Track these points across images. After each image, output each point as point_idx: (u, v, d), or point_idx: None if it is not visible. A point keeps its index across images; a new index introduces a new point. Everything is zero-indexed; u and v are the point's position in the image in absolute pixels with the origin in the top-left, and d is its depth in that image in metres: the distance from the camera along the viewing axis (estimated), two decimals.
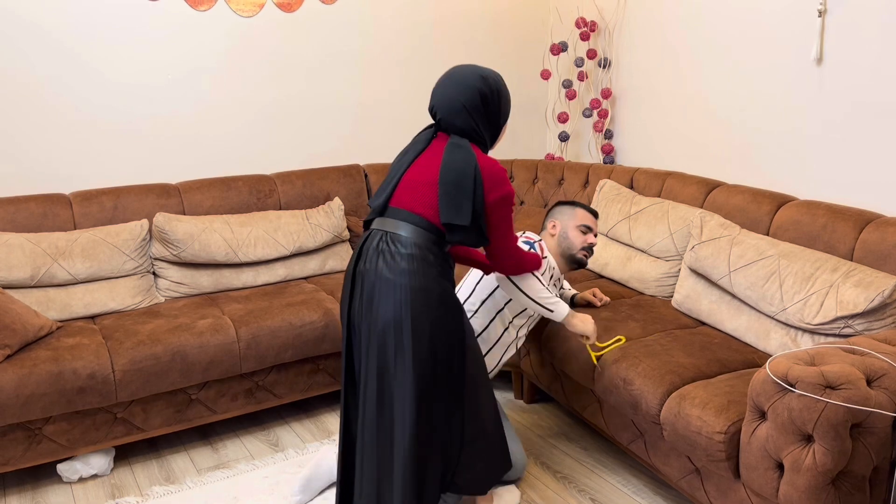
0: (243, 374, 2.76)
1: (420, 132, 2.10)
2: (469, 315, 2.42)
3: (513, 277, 2.23)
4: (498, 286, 2.41)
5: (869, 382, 1.78)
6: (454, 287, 1.99)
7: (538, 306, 2.27)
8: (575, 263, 2.61)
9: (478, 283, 2.45)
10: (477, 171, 1.91)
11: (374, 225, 2.01)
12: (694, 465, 2.17)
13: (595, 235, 2.63)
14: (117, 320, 2.73)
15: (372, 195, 3.61)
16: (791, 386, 1.78)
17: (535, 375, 2.94)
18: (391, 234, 1.94)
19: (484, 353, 2.42)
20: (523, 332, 2.50)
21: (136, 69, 3.18)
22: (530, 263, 2.20)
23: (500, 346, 2.44)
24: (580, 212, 2.62)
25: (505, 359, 2.48)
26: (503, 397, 3.17)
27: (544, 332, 2.73)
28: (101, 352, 2.49)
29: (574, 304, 2.82)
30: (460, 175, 1.90)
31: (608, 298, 2.84)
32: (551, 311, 2.28)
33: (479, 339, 2.42)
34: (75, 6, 3.01)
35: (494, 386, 3.26)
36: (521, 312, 2.44)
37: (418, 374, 1.87)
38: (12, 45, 2.92)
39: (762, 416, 1.88)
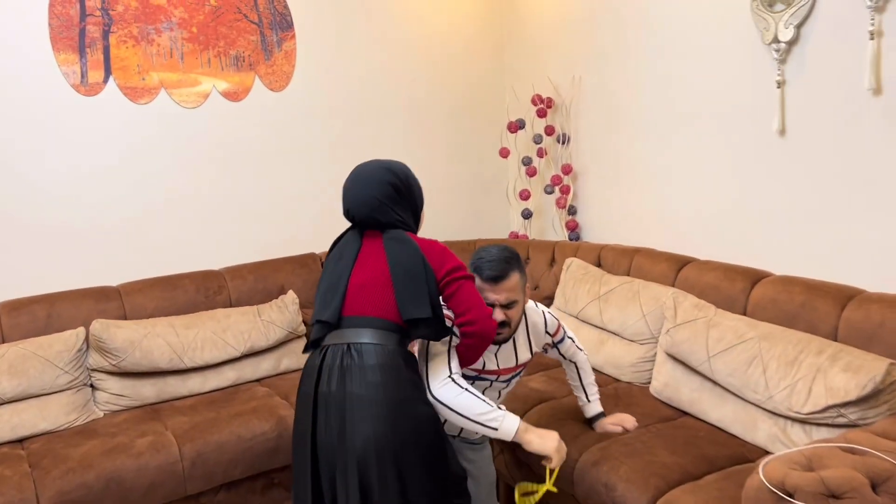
0: (189, 496, 2.50)
1: (342, 235, 2.01)
2: None
3: (443, 399, 1.88)
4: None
5: (874, 487, 1.61)
6: (421, 381, 1.87)
7: (478, 426, 1.88)
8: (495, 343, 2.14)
9: None
10: (423, 258, 1.87)
11: (329, 340, 1.85)
12: None
13: (498, 307, 2.03)
14: (47, 443, 2.47)
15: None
16: (789, 496, 1.59)
17: (511, 476, 2.72)
18: (353, 345, 1.80)
19: None
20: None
21: (70, 166, 3.00)
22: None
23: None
24: None
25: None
26: None
27: None
28: (25, 484, 2.22)
29: (592, 424, 2.41)
30: (410, 267, 1.85)
31: (634, 422, 2.39)
32: (494, 429, 1.88)
33: None
34: (1, 103, 2.85)
35: None
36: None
37: (414, 496, 1.76)
38: None
39: None
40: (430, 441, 1.80)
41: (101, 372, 2.78)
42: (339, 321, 1.85)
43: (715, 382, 2.40)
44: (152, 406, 2.79)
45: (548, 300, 3.32)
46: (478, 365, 2.13)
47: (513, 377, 2.21)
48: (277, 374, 3.07)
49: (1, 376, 2.55)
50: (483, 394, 2.06)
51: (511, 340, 2.15)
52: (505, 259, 2.03)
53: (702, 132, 2.99)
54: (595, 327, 2.97)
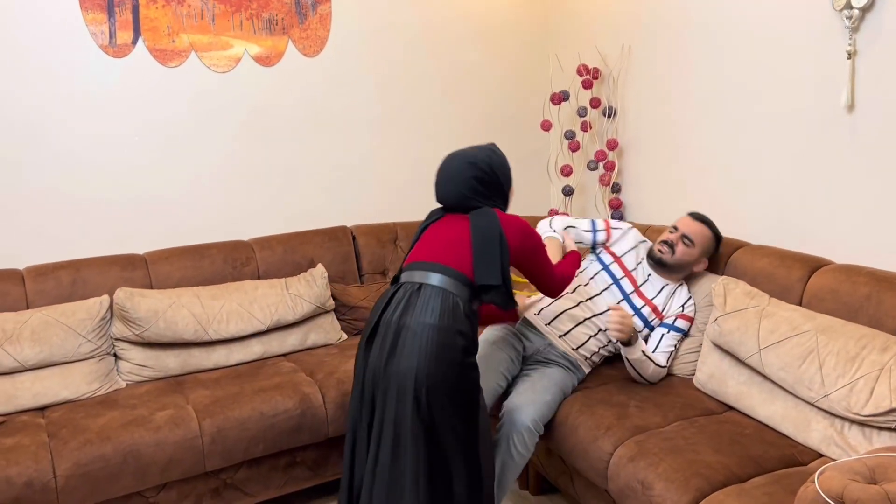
0: (209, 473, 2.44)
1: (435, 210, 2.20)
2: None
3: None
4: None
5: None
6: (476, 346, 1.98)
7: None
8: (651, 258, 2.65)
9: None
10: (501, 233, 2.00)
11: (405, 278, 2.03)
12: None
13: (679, 235, 2.59)
14: (68, 412, 2.43)
15: (361, 259, 3.33)
16: None
17: (542, 465, 2.60)
18: (424, 285, 1.97)
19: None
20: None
21: (98, 132, 2.93)
22: (570, 274, 2.30)
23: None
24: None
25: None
26: None
27: (553, 421, 2.39)
28: (42, 454, 2.17)
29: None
30: (488, 237, 1.99)
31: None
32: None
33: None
34: (29, 68, 2.78)
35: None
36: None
37: (433, 427, 1.87)
38: None
39: None
40: (465, 390, 1.91)
41: (125, 341, 2.72)
42: (412, 265, 2.03)
43: (765, 377, 2.23)
44: (176, 378, 2.73)
45: None
46: (629, 264, 2.67)
47: (627, 298, 2.59)
48: (304, 350, 2.98)
49: (24, 343, 2.51)
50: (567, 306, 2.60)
51: (659, 280, 2.63)
52: (710, 221, 2.64)
53: (760, 107, 2.77)
54: None
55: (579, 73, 3.47)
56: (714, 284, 2.51)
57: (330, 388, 2.61)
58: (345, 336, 3.12)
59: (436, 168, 3.66)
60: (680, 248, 2.58)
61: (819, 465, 1.95)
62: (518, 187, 3.90)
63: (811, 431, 2.05)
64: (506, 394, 2.47)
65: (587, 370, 2.57)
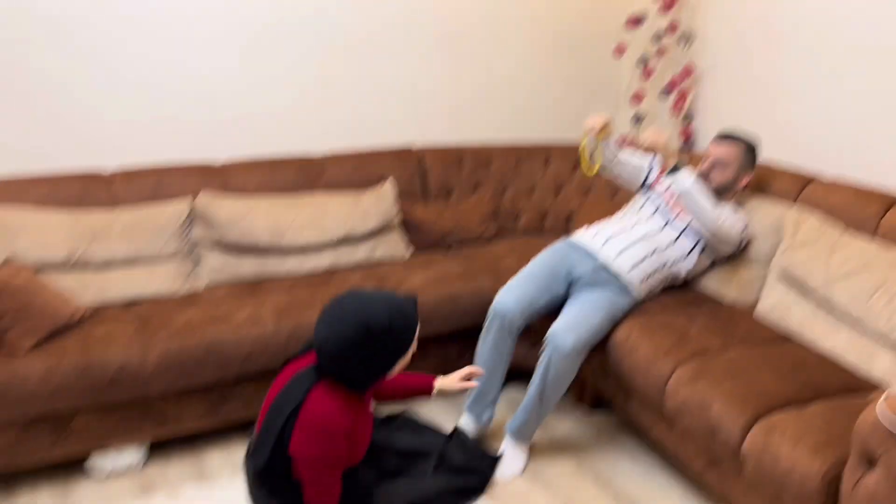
0: None
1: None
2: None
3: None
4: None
5: None
6: None
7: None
8: None
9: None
10: (294, 411, 1.75)
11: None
12: None
13: (710, 162, 2.59)
14: (154, 307, 2.59)
15: (427, 179, 3.38)
16: None
17: (596, 384, 2.69)
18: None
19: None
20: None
21: (180, 44, 3.00)
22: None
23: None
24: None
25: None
26: (563, 400, 2.90)
27: (609, 340, 2.46)
28: (134, 343, 2.34)
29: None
30: (278, 412, 1.77)
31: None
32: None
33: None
34: None
35: None
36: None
37: None
38: (54, 22, 2.78)
39: (871, 464, 1.59)
40: None
41: (205, 244, 2.86)
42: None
43: (831, 308, 2.24)
44: (251, 282, 2.87)
45: None
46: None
47: (674, 221, 2.62)
48: (373, 262, 3.08)
49: (113, 239, 2.66)
50: (624, 227, 2.66)
51: (705, 201, 2.51)
52: (740, 135, 2.61)
53: (845, 37, 2.68)
54: None
55: None
56: (784, 215, 2.50)
57: None
58: (410, 251, 3.21)
59: (504, 90, 3.66)
60: (715, 174, 2.59)
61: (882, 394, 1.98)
62: (586, 113, 3.87)
63: (875, 363, 2.08)
64: (553, 317, 2.54)
65: (640, 295, 2.60)
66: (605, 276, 2.56)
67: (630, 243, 2.59)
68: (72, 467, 2.49)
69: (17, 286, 2.26)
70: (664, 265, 2.59)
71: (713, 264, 2.68)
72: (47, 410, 2.23)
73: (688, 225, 2.60)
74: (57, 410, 2.25)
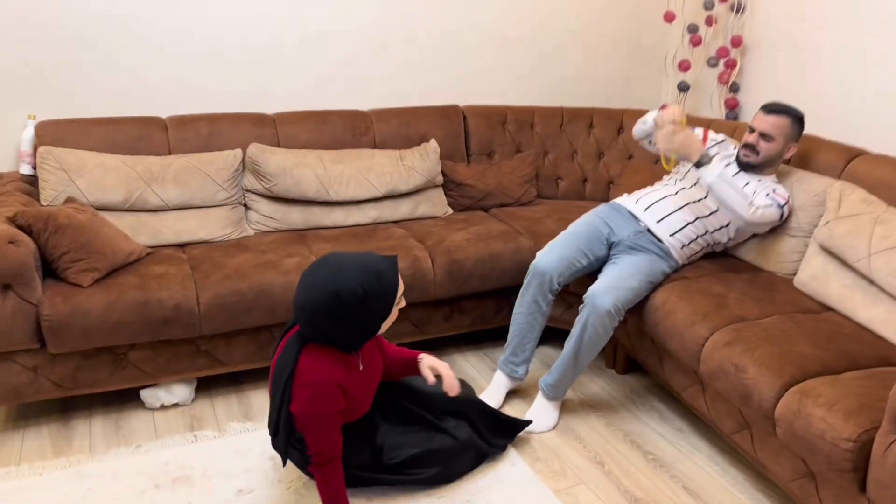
0: None
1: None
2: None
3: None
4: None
5: None
6: None
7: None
8: (739, 163, 2.65)
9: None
10: (288, 379, 1.87)
11: None
12: (809, 469, 1.95)
13: (757, 135, 2.58)
14: (205, 251, 2.69)
15: (470, 139, 3.42)
16: None
17: (632, 346, 2.74)
18: None
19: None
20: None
21: (237, 5, 3.06)
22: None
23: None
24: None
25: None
26: (593, 365, 2.98)
27: (647, 304, 2.51)
28: (188, 283, 2.44)
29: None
30: (278, 382, 1.89)
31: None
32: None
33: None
34: None
35: None
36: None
37: None
38: None
39: None
40: None
41: (254, 193, 2.94)
42: None
43: (871, 281, 2.26)
44: (299, 231, 2.95)
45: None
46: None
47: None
48: (414, 219, 3.15)
49: (168, 184, 2.76)
50: (665, 195, 2.69)
51: (752, 175, 2.62)
52: (784, 107, 2.57)
53: None
54: None
55: None
56: (828, 188, 2.51)
57: (439, 254, 2.78)
58: (451, 210, 3.27)
59: (548, 50, 3.66)
60: (763, 147, 2.57)
61: None
62: (631, 78, 3.87)
63: None
64: (593, 279, 2.59)
65: (681, 261, 2.64)
66: (645, 240, 2.60)
67: (672, 210, 2.63)
68: (126, 397, 2.63)
69: (80, 222, 2.36)
70: (706, 232, 2.63)
71: (754, 235, 2.70)
72: (107, 342, 2.34)
73: None
74: (115, 343, 2.36)
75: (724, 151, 2.74)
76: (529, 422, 2.45)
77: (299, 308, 1.87)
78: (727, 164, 2.68)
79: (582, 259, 2.61)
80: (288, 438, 1.92)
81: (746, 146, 2.61)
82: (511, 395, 2.71)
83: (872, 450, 1.72)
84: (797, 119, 2.59)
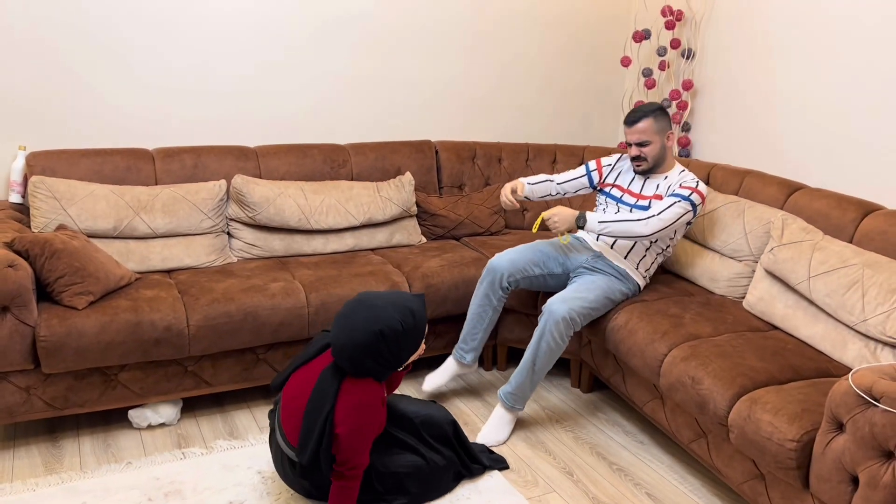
0: (310, 338, 2.81)
1: (326, 331, 2.26)
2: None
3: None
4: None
5: None
6: None
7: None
8: (638, 174, 2.86)
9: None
10: (331, 411, 1.98)
11: (275, 426, 2.18)
12: (759, 470, 2.15)
13: (635, 146, 2.76)
14: (192, 276, 2.81)
15: (442, 172, 3.61)
16: (875, 400, 1.73)
17: (596, 365, 2.93)
18: (284, 452, 2.14)
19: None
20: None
21: (221, 35, 3.22)
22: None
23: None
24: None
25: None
26: (560, 385, 3.16)
27: (610, 324, 2.71)
28: (178, 306, 2.56)
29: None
30: (317, 413, 1.99)
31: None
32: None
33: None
34: None
35: (554, 373, 3.26)
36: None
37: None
38: (102, 9, 2.99)
39: (839, 427, 1.84)
40: None
41: (238, 222, 3.08)
42: (280, 432, 2.13)
43: (811, 302, 2.50)
44: (280, 258, 3.09)
45: None
46: (622, 183, 2.89)
47: (636, 208, 2.81)
48: (390, 247, 3.31)
49: (156, 213, 2.88)
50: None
51: (655, 178, 2.81)
52: (642, 110, 2.74)
53: (832, 59, 2.96)
54: (695, 243, 3.07)
55: (663, 13, 3.64)
56: (772, 218, 2.76)
57: (416, 279, 2.95)
58: (424, 239, 3.44)
59: (514, 91, 3.90)
60: (646, 152, 2.76)
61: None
62: (590, 118, 4.13)
63: (847, 350, 2.34)
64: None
65: (641, 281, 2.85)
66: (602, 263, 2.82)
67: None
68: (114, 417, 2.71)
69: (75, 248, 2.46)
70: (650, 244, 2.84)
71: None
72: (100, 363, 2.43)
73: (650, 202, 2.81)
74: (108, 363, 2.45)
75: (624, 166, 2.95)
76: (504, 465, 2.54)
77: (341, 348, 2.01)
78: (639, 182, 2.86)
79: (534, 268, 2.84)
80: (329, 463, 2.02)
81: (633, 159, 2.81)
82: (472, 398, 2.87)
83: (813, 449, 1.92)
84: (657, 112, 2.75)
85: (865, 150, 2.86)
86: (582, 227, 2.68)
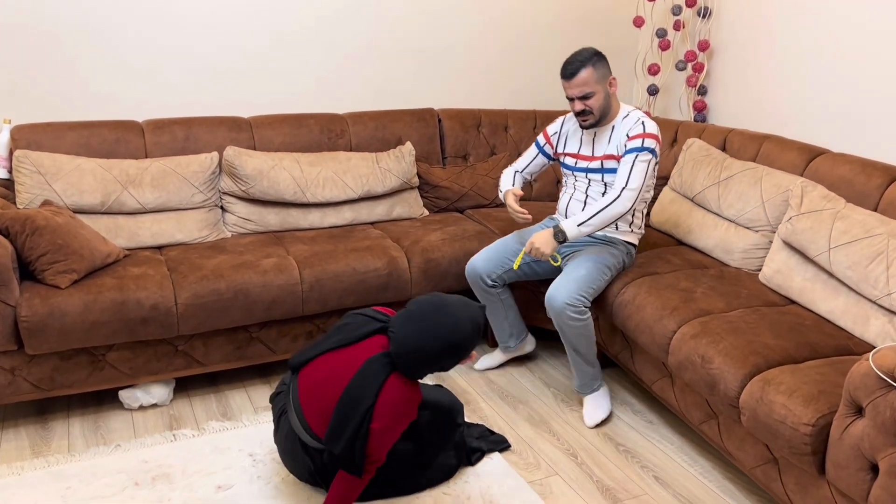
0: (305, 316, 2.72)
1: (367, 316, 2.11)
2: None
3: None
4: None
5: None
6: None
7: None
8: (584, 129, 2.64)
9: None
10: (372, 405, 1.91)
11: (289, 408, 2.08)
12: (772, 454, 2.02)
13: (578, 100, 2.53)
14: (183, 252, 2.71)
15: (445, 142, 3.47)
16: None
17: (604, 342, 2.81)
18: (298, 436, 2.05)
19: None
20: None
21: (216, 3, 3.10)
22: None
23: None
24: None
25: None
26: (567, 362, 3.04)
27: (617, 299, 2.58)
28: (166, 284, 2.47)
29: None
30: (355, 403, 1.91)
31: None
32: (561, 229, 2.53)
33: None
34: None
35: (560, 350, 3.14)
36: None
37: None
38: None
39: (859, 411, 1.71)
40: None
41: (231, 196, 2.97)
42: (298, 410, 2.04)
43: (831, 274, 2.35)
44: (275, 233, 2.99)
45: (663, 180, 3.27)
46: (572, 149, 2.70)
47: (592, 171, 2.63)
48: (390, 220, 3.20)
49: (145, 187, 2.78)
50: (569, 195, 2.73)
51: (604, 131, 2.61)
52: (577, 59, 2.49)
53: (862, 17, 2.75)
54: (709, 212, 2.91)
55: None
56: (791, 185, 2.60)
57: (415, 254, 2.83)
58: (426, 212, 3.32)
59: (521, 55, 3.73)
60: (591, 104, 2.53)
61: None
62: None
63: (869, 326, 2.19)
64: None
65: (632, 238, 2.70)
66: (585, 239, 2.70)
67: (582, 204, 2.71)
68: (105, 398, 2.64)
69: (58, 224, 2.38)
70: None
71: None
72: (84, 343, 2.36)
73: (614, 169, 2.62)
74: (93, 344, 2.38)
75: (569, 128, 2.75)
76: (506, 445, 2.46)
77: (411, 350, 1.95)
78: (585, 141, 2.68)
79: (512, 257, 2.73)
80: (363, 457, 1.93)
81: (579, 114, 2.56)
82: (471, 374, 2.77)
83: (830, 433, 1.79)
84: (594, 58, 2.52)
85: (893, 113, 2.67)
86: (565, 240, 2.53)
